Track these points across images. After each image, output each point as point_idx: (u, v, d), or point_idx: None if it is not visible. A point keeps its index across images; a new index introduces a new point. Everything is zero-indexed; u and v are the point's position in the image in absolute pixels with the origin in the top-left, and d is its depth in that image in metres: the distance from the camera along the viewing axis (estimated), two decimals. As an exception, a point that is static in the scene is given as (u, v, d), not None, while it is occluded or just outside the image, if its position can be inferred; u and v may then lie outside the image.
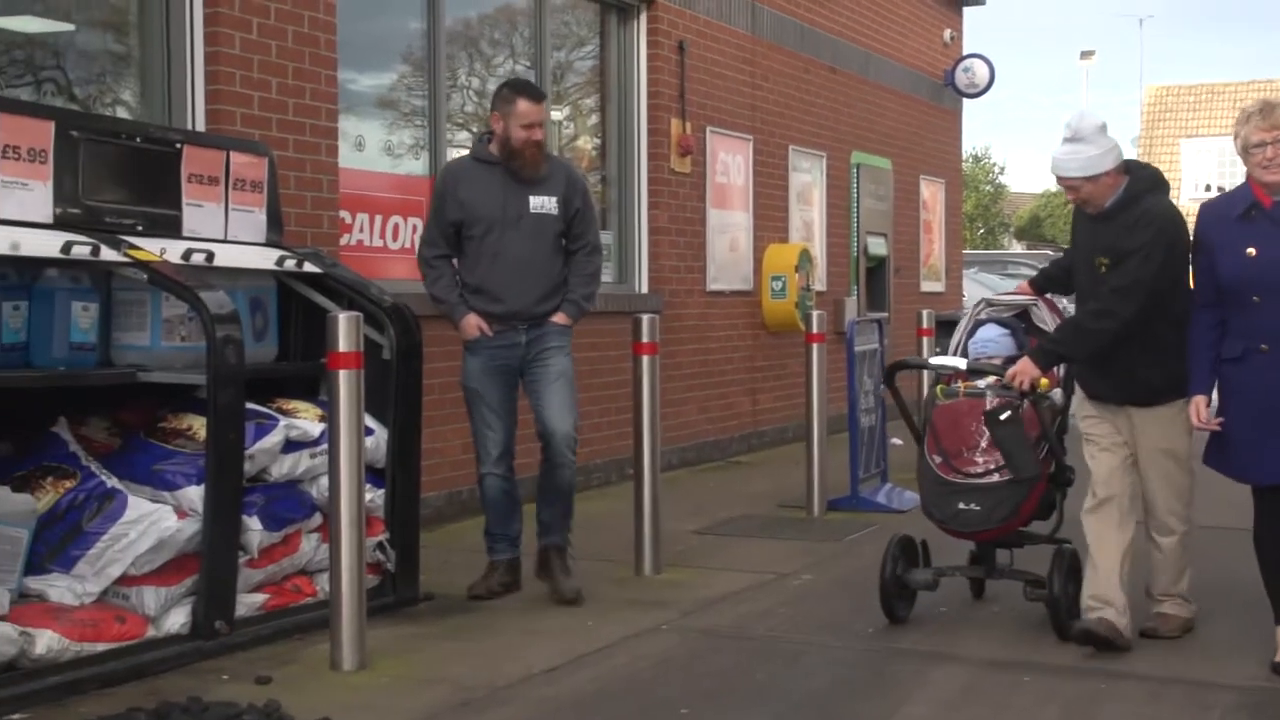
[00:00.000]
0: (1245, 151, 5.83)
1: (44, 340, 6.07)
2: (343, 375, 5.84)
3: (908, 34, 18.06)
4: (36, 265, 6.02)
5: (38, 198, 6.04)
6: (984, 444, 6.33)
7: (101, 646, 5.63)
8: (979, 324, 7.02)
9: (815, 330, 10.24)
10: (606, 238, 12.21)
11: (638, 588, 7.55)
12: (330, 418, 5.99)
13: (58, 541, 5.76)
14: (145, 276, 6.14)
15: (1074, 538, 6.43)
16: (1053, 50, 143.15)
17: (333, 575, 5.95)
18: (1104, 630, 5.95)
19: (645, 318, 7.95)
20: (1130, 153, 54.05)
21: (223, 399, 6.02)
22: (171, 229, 6.65)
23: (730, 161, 13.54)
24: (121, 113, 8.24)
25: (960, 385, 6.64)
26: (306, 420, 6.64)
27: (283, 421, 6.50)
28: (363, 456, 6.03)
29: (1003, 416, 6.24)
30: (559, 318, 7.34)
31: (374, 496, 6.72)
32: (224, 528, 6.02)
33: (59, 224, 6.09)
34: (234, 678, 5.69)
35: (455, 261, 7.43)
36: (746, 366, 13.81)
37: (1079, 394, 6.55)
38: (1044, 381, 6.24)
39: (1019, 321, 6.99)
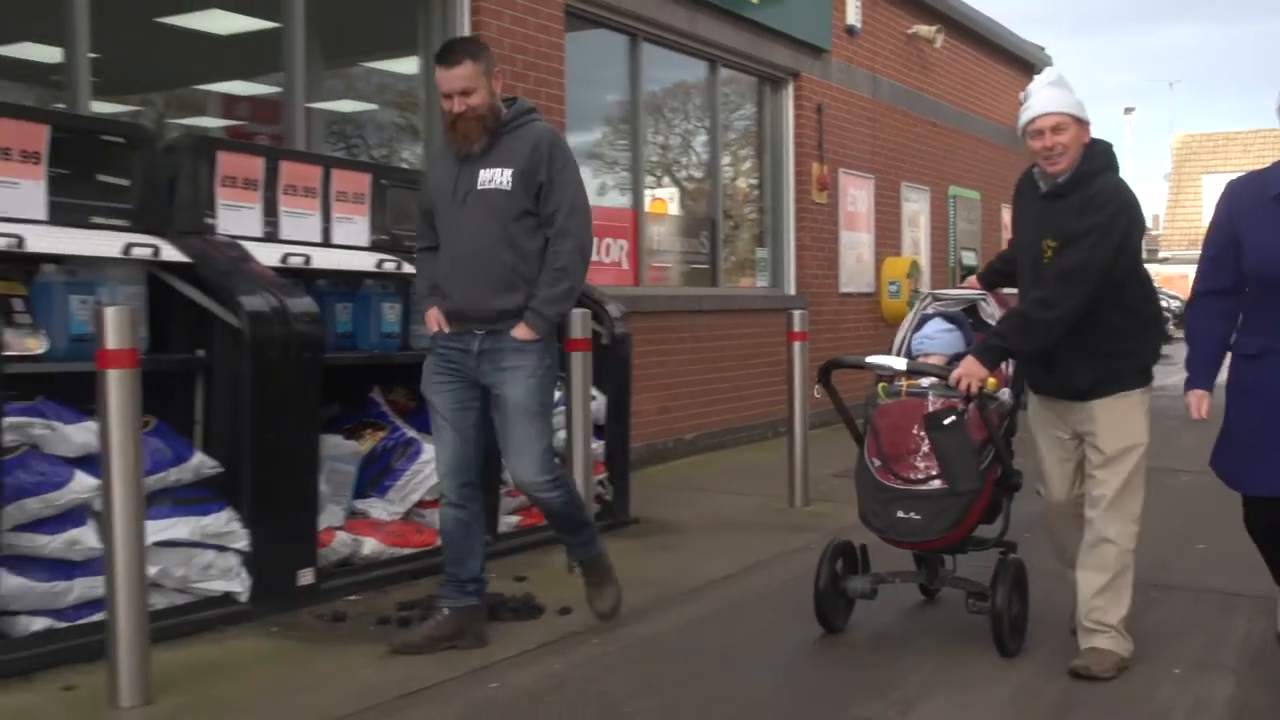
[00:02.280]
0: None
1: (364, 330, 6.23)
2: (576, 355, 6.01)
3: (992, 96, 17.76)
4: (358, 277, 6.20)
5: (360, 228, 6.31)
6: (926, 448, 4.56)
7: (407, 551, 5.84)
8: (925, 319, 5.12)
9: (923, 323, 10.22)
10: (763, 254, 12.29)
11: (790, 516, 7.58)
12: (567, 387, 6.10)
13: (375, 475, 5.95)
14: None
15: (1020, 540, 5.03)
16: (1103, 106, 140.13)
17: (570, 502, 6.10)
18: (1095, 669, 4.36)
19: (796, 313, 8.01)
20: (1161, 188, 52.40)
21: None
22: None
23: (857, 195, 13.48)
24: (408, 166, 8.49)
25: (903, 384, 4.80)
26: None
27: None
28: (590, 416, 6.17)
29: (946, 422, 4.48)
30: (519, 331, 4.68)
31: (597, 446, 6.79)
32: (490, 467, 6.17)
33: (373, 247, 6.32)
34: (499, 576, 5.79)
35: None
36: (869, 349, 13.67)
37: (1031, 394, 4.80)
38: (991, 381, 4.47)
39: (967, 317, 5.12)
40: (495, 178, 4.69)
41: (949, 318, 5.08)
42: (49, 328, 4.79)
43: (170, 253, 5.08)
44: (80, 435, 4.58)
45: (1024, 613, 4.78)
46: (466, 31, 8.15)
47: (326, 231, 6.11)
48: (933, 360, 4.89)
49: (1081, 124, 4.42)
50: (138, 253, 4.99)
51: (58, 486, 4.46)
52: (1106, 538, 4.43)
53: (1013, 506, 4.86)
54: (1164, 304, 24.50)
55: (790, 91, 12.34)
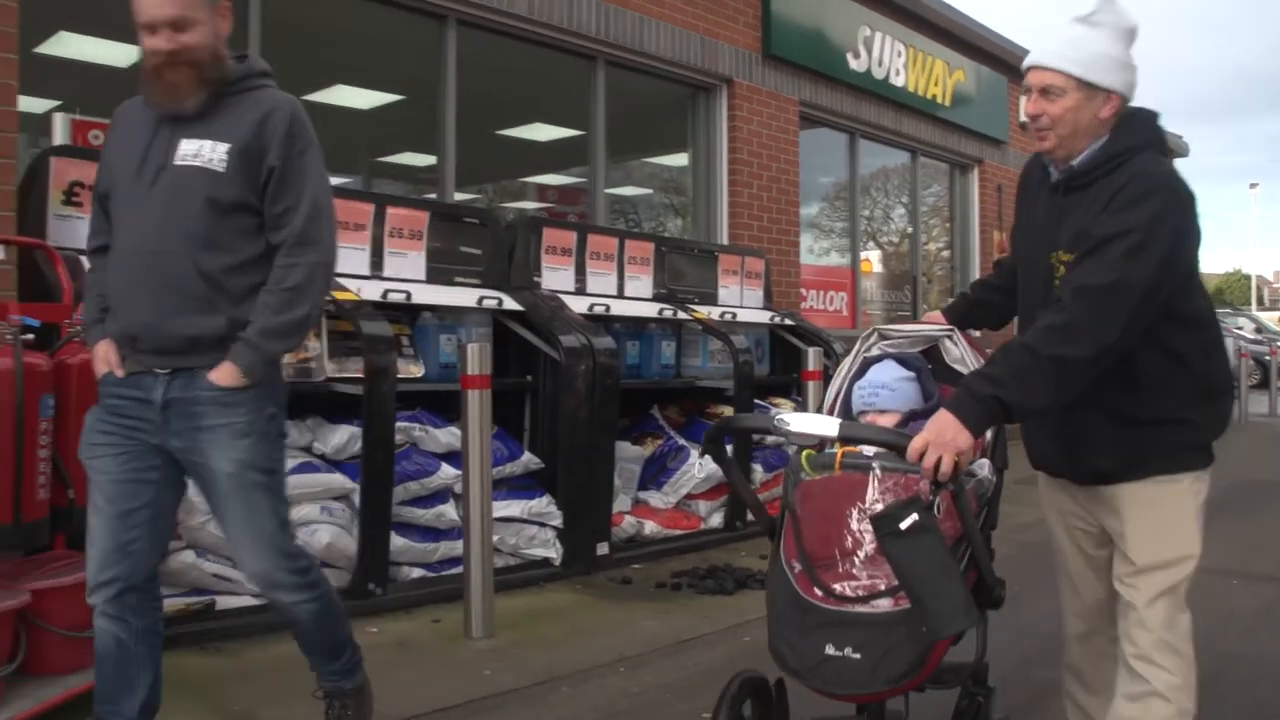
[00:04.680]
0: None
1: (647, 362, 6.27)
2: (811, 384, 5.92)
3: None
4: (644, 321, 6.24)
5: (645, 284, 6.32)
6: (870, 547, 2.22)
7: (677, 532, 5.82)
8: (869, 363, 2.77)
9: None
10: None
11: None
12: (805, 409, 6.05)
13: (654, 473, 5.95)
14: (700, 327, 6.30)
15: (997, 665, 2.89)
16: (1232, 181, 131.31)
17: (802, 498, 6.01)
18: None
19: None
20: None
21: (741, 396, 6.10)
22: (712, 300, 6.80)
23: (1031, 256, 12.96)
24: (681, 234, 8.61)
25: (835, 450, 2.30)
26: (786, 410, 6.52)
27: (773, 410, 6.44)
28: (819, 431, 6.08)
29: (905, 524, 2.05)
30: (220, 375, 2.54)
31: (823, 454, 6.71)
32: (741, 470, 6.14)
33: (654, 298, 6.33)
34: (747, 554, 5.74)
35: None
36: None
37: (1040, 480, 2.67)
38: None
39: (925, 361, 2.76)
40: (203, 152, 2.57)
41: (902, 361, 2.74)
42: (425, 358, 4.99)
43: (510, 303, 5.25)
44: (445, 437, 4.75)
45: None
46: (726, 134, 8.26)
47: (620, 287, 6.19)
48: (885, 421, 2.60)
49: (1093, 91, 2.33)
50: (487, 303, 5.17)
51: (429, 474, 4.62)
52: (1154, 689, 2.33)
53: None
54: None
55: (975, 175, 11.96)
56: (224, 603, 4.08)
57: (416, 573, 4.65)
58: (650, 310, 6.14)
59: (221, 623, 4.00)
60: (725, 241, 8.10)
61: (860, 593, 2.20)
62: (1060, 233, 2.37)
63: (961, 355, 2.75)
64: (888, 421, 2.59)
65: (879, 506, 2.18)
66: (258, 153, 2.58)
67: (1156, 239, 2.20)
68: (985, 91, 11.71)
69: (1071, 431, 2.42)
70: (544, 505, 5.04)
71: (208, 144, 2.57)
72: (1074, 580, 2.62)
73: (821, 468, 2.36)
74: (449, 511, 4.68)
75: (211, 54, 2.60)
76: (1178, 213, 2.25)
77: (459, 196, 6.95)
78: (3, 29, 4.24)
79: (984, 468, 2.48)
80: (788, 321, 7.14)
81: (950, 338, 2.79)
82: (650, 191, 9.33)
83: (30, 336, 3.00)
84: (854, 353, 2.86)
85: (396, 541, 4.51)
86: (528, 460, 5.04)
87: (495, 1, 6.50)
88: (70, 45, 5.87)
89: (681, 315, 6.23)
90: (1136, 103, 2.43)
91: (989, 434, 2.50)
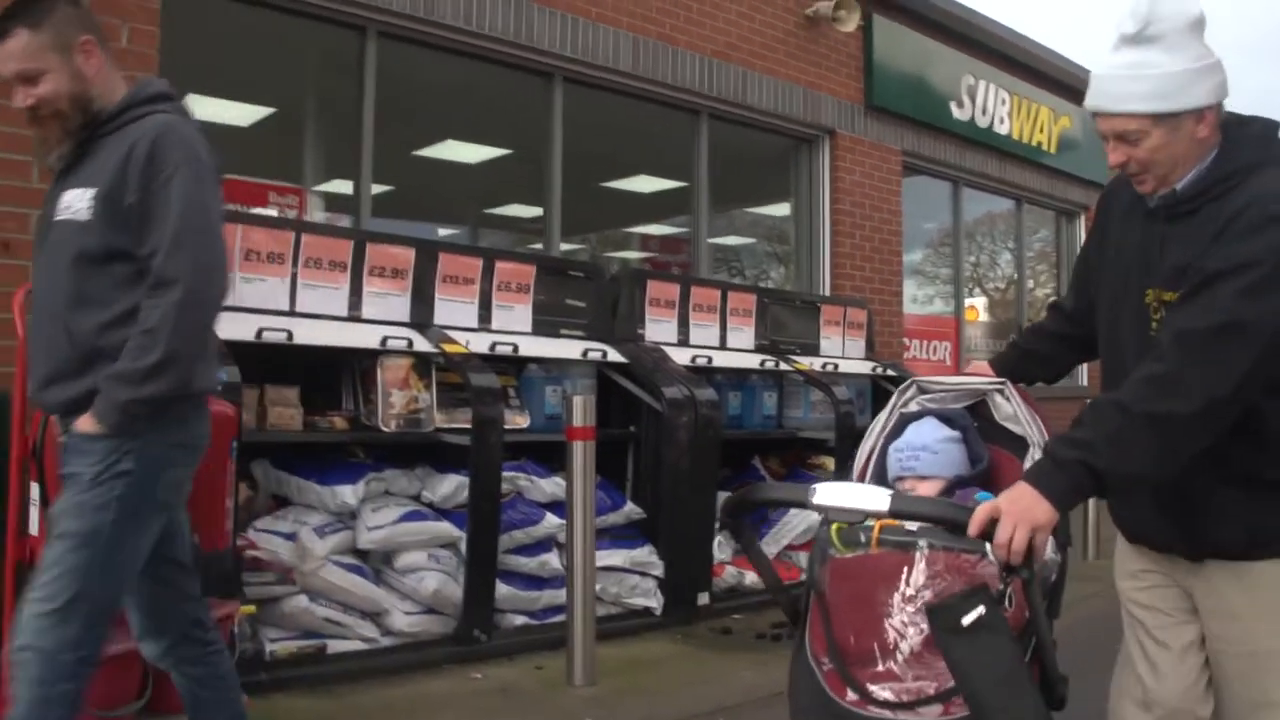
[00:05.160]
0: None
1: (749, 413, 6.21)
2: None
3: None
4: (746, 372, 6.18)
5: (747, 336, 6.30)
6: (916, 642, 1.82)
7: None
8: (907, 419, 2.33)
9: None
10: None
11: (1082, 568, 7.05)
12: None
13: (754, 523, 5.71)
14: (801, 378, 6.26)
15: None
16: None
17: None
18: None
19: (1089, 401, 7.53)
20: None
21: (843, 447, 5.98)
22: (814, 351, 6.75)
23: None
24: (784, 286, 8.61)
25: (872, 525, 1.91)
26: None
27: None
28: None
29: (968, 620, 1.71)
30: (81, 422, 2.32)
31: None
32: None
33: (756, 350, 6.31)
34: None
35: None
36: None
37: (1119, 541, 2.24)
38: None
39: (971, 418, 2.32)
40: (74, 203, 2.39)
41: (945, 419, 2.32)
42: (531, 409, 5.06)
43: (613, 355, 5.30)
44: (550, 487, 4.79)
45: None
46: (828, 185, 8.26)
47: (723, 338, 6.19)
48: (925, 488, 2.21)
49: (1178, 119, 1.94)
50: (591, 355, 5.23)
51: (534, 523, 4.66)
52: None
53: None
54: None
55: (1081, 222, 11.67)
56: (335, 647, 4.18)
57: (520, 620, 4.69)
58: (752, 361, 6.13)
59: (332, 666, 4.10)
60: (827, 291, 8.08)
61: (904, 697, 1.82)
62: (1159, 266, 2.01)
63: (1014, 412, 2.32)
64: (929, 489, 2.20)
65: (927, 594, 1.82)
66: (119, 191, 2.35)
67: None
68: (1091, 137, 11.46)
69: (1186, 496, 1.99)
70: (646, 555, 5.06)
71: (77, 193, 2.39)
72: (1154, 660, 2.14)
73: (854, 544, 1.99)
74: (553, 560, 4.72)
75: (73, 100, 2.43)
76: None
77: (564, 246, 7.08)
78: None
79: (1048, 546, 2.05)
80: (890, 372, 7.05)
81: (1001, 392, 2.35)
82: (753, 240, 9.37)
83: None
84: (889, 407, 2.41)
85: (501, 589, 4.56)
86: (630, 510, 5.06)
87: (601, 59, 6.66)
88: (195, 106, 6.21)
89: (783, 366, 6.21)
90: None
91: None
